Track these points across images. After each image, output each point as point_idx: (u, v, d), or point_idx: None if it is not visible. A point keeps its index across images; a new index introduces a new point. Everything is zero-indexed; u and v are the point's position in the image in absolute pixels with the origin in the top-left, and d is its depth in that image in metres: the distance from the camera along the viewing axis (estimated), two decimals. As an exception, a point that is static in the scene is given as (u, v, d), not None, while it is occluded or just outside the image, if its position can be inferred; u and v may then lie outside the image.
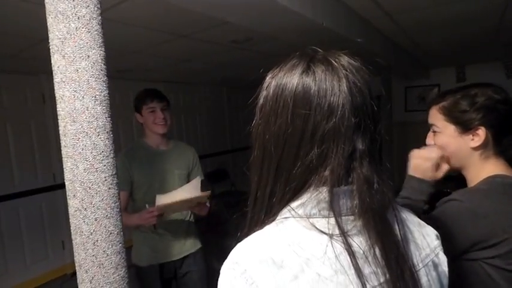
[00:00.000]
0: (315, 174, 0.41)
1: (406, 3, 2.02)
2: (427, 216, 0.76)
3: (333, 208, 0.40)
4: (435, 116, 0.84)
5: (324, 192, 0.40)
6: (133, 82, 3.55)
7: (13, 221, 2.86)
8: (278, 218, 0.42)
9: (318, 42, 2.28)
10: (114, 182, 0.76)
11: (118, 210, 0.76)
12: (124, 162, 1.53)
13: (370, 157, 0.42)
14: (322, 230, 0.39)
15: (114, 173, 0.76)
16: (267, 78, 0.49)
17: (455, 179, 0.86)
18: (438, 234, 0.50)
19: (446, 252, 0.50)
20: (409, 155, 0.87)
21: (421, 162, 0.83)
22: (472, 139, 0.78)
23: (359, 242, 0.39)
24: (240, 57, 2.84)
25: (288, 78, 0.45)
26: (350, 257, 0.38)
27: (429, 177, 0.82)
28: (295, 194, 0.42)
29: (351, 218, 0.40)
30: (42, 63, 2.53)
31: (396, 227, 0.42)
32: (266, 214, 0.44)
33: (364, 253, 0.39)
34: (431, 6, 2.07)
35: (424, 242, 0.47)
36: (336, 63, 0.44)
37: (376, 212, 0.39)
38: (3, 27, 1.72)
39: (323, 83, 0.42)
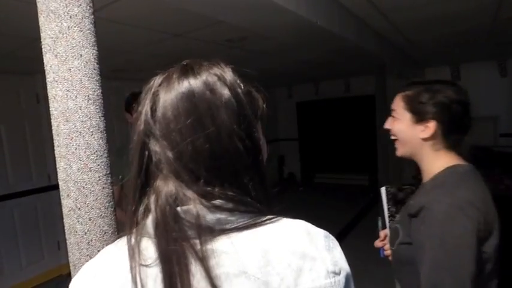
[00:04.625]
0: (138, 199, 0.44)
1: (400, 2, 2.03)
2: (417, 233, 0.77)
3: (137, 231, 0.40)
4: (397, 103, 0.89)
5: (137, 215, 0.42)
6: (128, 82, 3.54)
7: (8, 222, 2.84)
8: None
9: (312, 40, 2.29)
10: (108, 181, 0.76)
11: (112, 209, 0.76)
12: (115, 158, 1.57)
13: (176, 183, 0.39)
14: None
15: (108, 172, 0.75)
16: None
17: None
18: (339, 271, 0.40)
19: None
20: None
21: None
22: (423, 130, 0.83)
23: (160, 271, 0.37)
24: (234, 56, 2.84)
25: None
26: (141, 284, 0.37)
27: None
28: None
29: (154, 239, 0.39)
30: (35, 62, 2.50)
31: (207, 258, 0.36)
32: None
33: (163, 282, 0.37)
34: (425, 5, 2.09)
35: (288, 281, 0.37)
36: (149, 89, 0.44)
37: (166, 240, 0.37)
38: (-4, 27, 1.71)
39: (137, 110, 0.44)
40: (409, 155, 0.89)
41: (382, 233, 1.06)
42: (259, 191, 0.43)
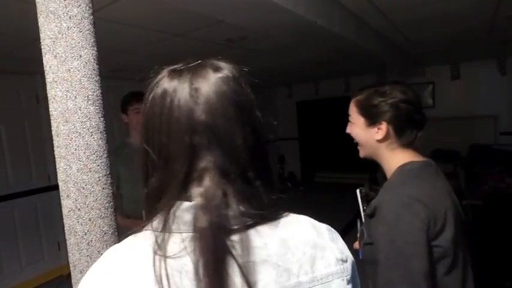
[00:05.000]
0: (165, 192, 0.42)
1: (399, 1, 2.03)
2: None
3: (165, 224, 0.39)
4: (351, 108, 0.94)
5: (166, 208, 0.41)
6: (128, 82, 3.54)
7: (8, 222, 2.84)
8: (144, 228, 0.43)
9: (312, 40, 2.29)
10: (108, 182, 0.76)
11: (112, 210, 0.76)
12: (111, 159, 1.59)
13: (216, 175, 0.40)
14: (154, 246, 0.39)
15: (107, 173, 0.75)
16: None
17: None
18: (345, 258, 0.44)
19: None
20: None
21: None
22: (377, 132, 0.87)
23: (193, 261, 0.37)
24: (234, 56, 2.83)
25: (147, 93, 0.45)
26: (167, 277, 0.36)
27: None
28: (155, 208, 0.43)
29: (192, 234, 0.39)
30: (35, 63, 2.50)
31: (238, 248, 0.38)
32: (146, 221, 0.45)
33: (195, 273, 0.37)
34: (425, 4, 2.09)
35: (306, 267, 0.41)
36: (184, 78, 0.42)
37: (209, 229, 0.37)
38: (-5, 27, 1.71)
39: (166, 101, 0.42)
40: (370, 156, 0.93)
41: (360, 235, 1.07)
42: (270, 187, 0.45)
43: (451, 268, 0.75)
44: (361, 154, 0.95)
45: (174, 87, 0.42)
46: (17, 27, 1.75)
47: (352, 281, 0.44)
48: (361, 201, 1.05)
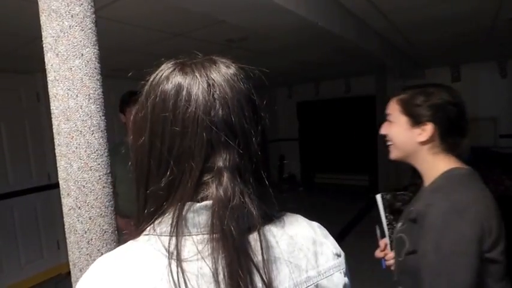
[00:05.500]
0: (174, 192, 0.40)
1: (400, 3, 2.03)
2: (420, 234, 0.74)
3: (177, 227, 0.37)
4: (392, 107, 0.89)
5: (177, 210, 0.38)
6: (129, 81, 3.54)
7: (7, 220, 2.84)
8: (144, 233, 0.41)
9: (313, 41, 2.29)
10: (109, 180, 0.76)
11: (112, 208, 0.76)
12: (111, 156, 1.61)
13: (233, 174, 0.38)
14: (165, 251, 0.37)
15: (108, 171, 0.76)
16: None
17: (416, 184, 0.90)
18: (339, 253, 0.47)
19: None
20: None
21: None
22: (420, 133, 0.82)
23: (210, 263, 0.36)
24: (235, 56, 2.83)
25: (152, 86, 0.42)
26: (184, 282, 0.35)
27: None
28: (158, 210, 0.41)
29: (206, 237, 0.37)
30: (36, 61, 2.50)
31: (258, 248, 0.38)
32: (143, 224, 0.42)
33: (213, 276, 0.36)
34: (425, 6, 2.09)
35: (312, 262, 0.43)
36: (199, 72, 0.41)
37: (229, 230, 0.36)
38: (-3, 25, 1.71)
39: (180, 95, 0.40)
40: (404, 159, 0.88)
41: (382, 243, 1.02)
42: (273, 187, 0.45)
43: (501, 277, 0.71)
44: (394, 155, 0.89)
45: (189, 82, 0.40)
46: (18, 25, 1.75)
47: (347, 273, 0.47)
48: (383, 207, 0.99)
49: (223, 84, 0.40)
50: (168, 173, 0.40)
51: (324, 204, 4.98)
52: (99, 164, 0.73)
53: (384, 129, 0.90)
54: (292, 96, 6.25)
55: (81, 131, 0.71)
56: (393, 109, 0.88)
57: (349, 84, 5.52)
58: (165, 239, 0.38)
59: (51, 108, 0.72)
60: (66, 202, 0.72)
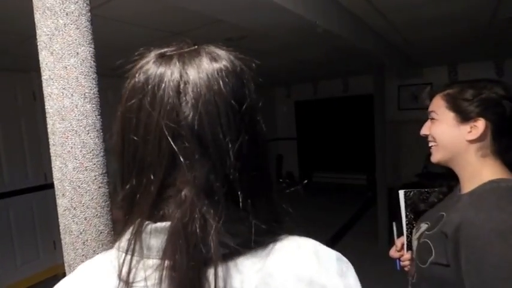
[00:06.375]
0: (134, 205, 0.35)
1: (398, 2, 2.03)
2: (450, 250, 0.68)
3: (134, 245, 0.33)
4: (437, 103, 0.78)
5: (136, 226, 0.34)
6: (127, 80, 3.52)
7: (3, 220, 2.82)
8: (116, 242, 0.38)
9: (311, 40, 2.29)
10: (105, 180, 0.75)
11: (108, 209, 0.75)
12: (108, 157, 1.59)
13: (198, 193, 0.32)
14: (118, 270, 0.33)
15: (104, 171, 0.75)
16: None
17: (443, 176, 0.83)
18: None
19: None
20: None
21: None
22: (470, 131, 0.72)
23: None
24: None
25: (127, 77, 0.37)
26: None
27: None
28: (129, 222, 0.36)
29: (157, 262, 0.32)
30: (32, 60, 2.48)
31: (212, 285, 0.31)
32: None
33: None
34: (423, 5, 2.09)
35: None
36: (173, 66, 0.34)
37: (181, 261, 0.30)
38: (-9, 24, 1.69)
39: (146, 93, 0.34)
40: (447, 161, 0.78)
41: (398, 242, 0.95)
42: (267, 203, 0.38)
43: None
44: (437, 158, 0.78)
45: (160, 76, 0.34)
46: (13, 23, 1.74)
47: None
48: (405, 206, 0.92)
49: (199, 83, 0.33)
50: (129, 183, 0.35)
51: (322, 203, 4.99)
52: (94, 164, 0.72)
53: (426, 129, 0.80)
54: (291, 96, 6.26)
55: (76, 131, 0.70)
56: (438, 105, 0.77)
57: (347, 84, 5.52)
58: (122, 256, 0.34)
59: (46, 107, 0.71)
60: (61, 203, 0.71)
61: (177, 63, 0.34)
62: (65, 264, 0.73)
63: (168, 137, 0.32)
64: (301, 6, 1.65)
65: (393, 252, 0.95)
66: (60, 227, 0.73)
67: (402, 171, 5.00)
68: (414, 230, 0.87)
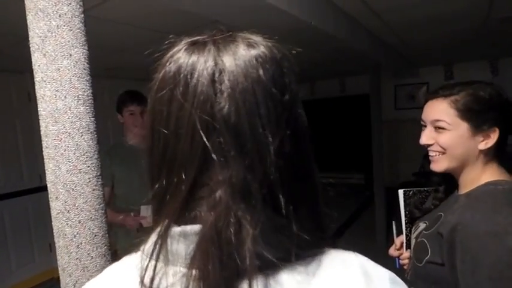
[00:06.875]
0: (163, 205, 0.33)
1: (393, 2, 2.04)
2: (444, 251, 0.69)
3: (160, 249, 0.30)
4: (445, 111, 0.73)
5: (163, 229, 0.31)
6: (123, 81, 3.50)
7: (-2, 223, 2.80)
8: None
9: (307, 40, 2.29)
10: (99, 183, 0.74)
11: (103, 211, 0.75)
12: (105, 159, 1.59)
13: (234, 195, 0.29)
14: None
15: (98, 174, 0.74)
16: None
17: (440, 175, 0.83)
18: None
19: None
20: None
21: None
22: (482, 140, 0.71)
23: None
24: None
25: (157, 68, 0.34)
26: None
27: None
28: (157, 223, 0.34)
29: (184, 271, 0.29)
30: (26, 61, 2.47)
31: None
32: None
33: None
34: (418, 5, 2.10)
35: None
36: (207, 53, 0.31)
37: (213, 271, 0.27)
38: (-15, 25, 1.67)
39: (178, 84, 0.31)
40: (454, 169, 0.76)
41: (397, 241, 0.96)
42: (312, 210, 0.34)
43: None
44: (443, 167, 0.75)
45: (192, 65, 0.31)
46: (6, 25, 1.72)
47: None
48: (405, 205, 0.92)
49: (235, 71, 0.30)
50: (158, 182, 0.32)
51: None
52: (88, 167, 0.72)
53: (429, 138, 0.75)
54: (287, 96, 6.26)
55: (69, 133, 0.69)
56: (447, 114, 0.73)
57: (344, 84, 5.54)
58: (146, 260, 0.31)
59: (39, 109, 0.71)
60: (55, 206, 0.70)
61: (211, 50, 0.31)
62: (59, 268, 0.72)
63: (201, 131, 0.29)
64: (295, 7, 1.66)
65: (392, 251, 0.95)
66: (54, 231, 0.72)
67: (399, 170, 5.02)
68: (413, 229, 0.88)
